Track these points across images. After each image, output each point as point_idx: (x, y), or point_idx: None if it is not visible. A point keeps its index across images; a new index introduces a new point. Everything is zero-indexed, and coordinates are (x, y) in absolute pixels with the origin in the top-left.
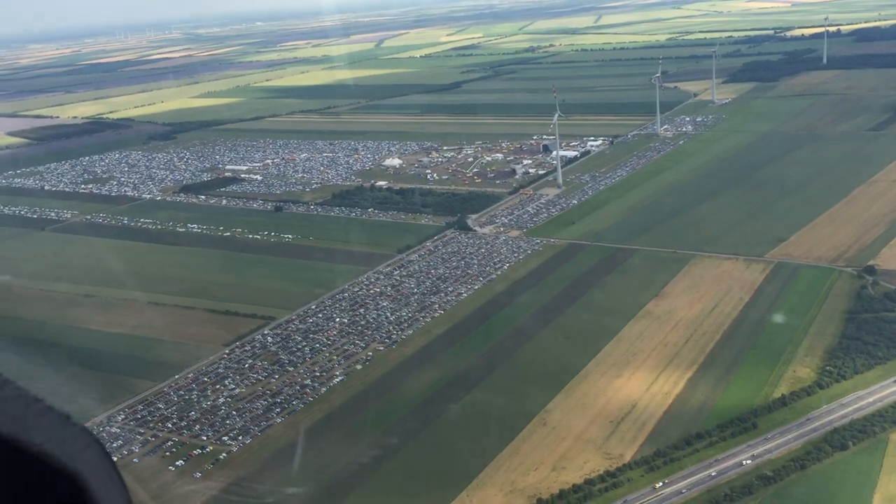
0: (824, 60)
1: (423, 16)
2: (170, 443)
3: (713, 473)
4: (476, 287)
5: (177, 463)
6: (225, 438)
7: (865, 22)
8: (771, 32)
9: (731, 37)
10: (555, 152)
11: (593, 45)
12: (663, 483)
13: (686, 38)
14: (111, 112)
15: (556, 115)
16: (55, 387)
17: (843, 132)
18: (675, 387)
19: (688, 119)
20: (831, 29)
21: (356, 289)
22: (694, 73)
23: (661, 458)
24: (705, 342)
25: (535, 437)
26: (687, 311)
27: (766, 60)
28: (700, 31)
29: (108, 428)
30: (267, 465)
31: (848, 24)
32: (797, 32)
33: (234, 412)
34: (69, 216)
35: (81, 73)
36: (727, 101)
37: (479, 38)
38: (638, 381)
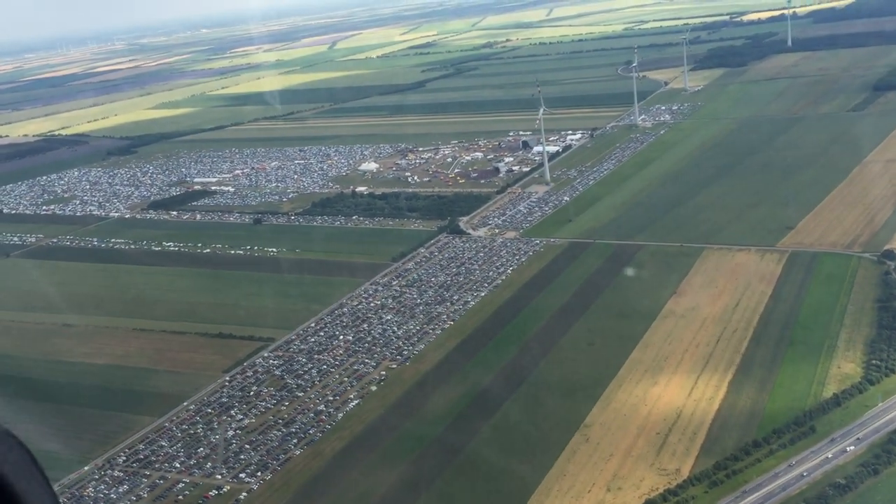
0: (789, 43)
1: (374, 16)
2: (181, 485)
3: (781, 485)
4: (482, 294)
5: None
6: (242, 476)
7: (819, 3)
8: (727, 18)
9: (687, 24)
10: (536, 148)
11: (550, 39)
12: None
13: (642, 27)
14: (63, 128)
15: (542, 109)
16: (40, 429)
17: (825, 114)
18: (718, 391)
19: (664, 108)
20: (787, 11)
21: (355, 302)
22: (660, 62)
23: (722, 472)
24: (738, 341)
25: (579, 455)
26: (710, 309)
27: (730, 46)
28: (654, 20)
29: (109, 472)
30: (296, 502)
31: (803, 6)
32: (753, 17)
33: (247, 445)
34: (33, 240)
35: (27, 89)
36: (699, 88)
37: (434, 35)
38: (677, 388)
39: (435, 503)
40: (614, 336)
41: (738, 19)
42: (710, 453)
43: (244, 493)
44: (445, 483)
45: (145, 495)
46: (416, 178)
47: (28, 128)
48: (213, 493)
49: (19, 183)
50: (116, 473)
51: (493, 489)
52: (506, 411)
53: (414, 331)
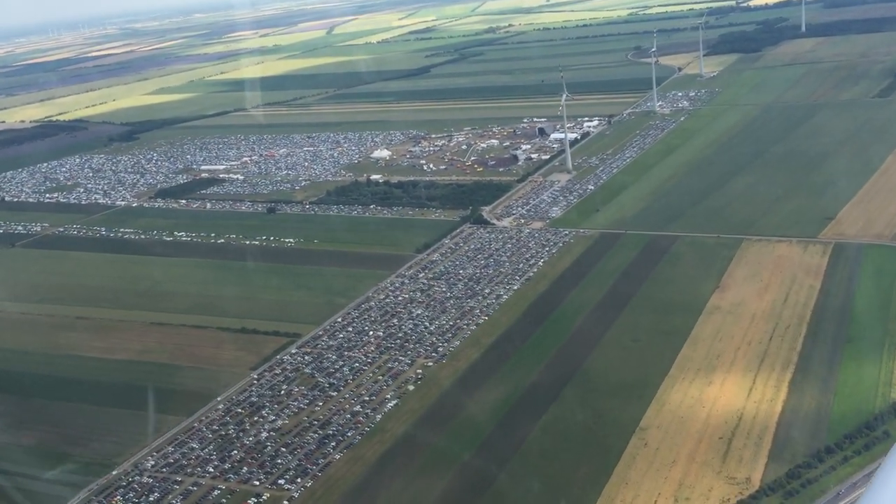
0: (803, 28)
1: (369, 1)
2: (216, 492)
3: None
4: (515, 287)
5: None
6: (281, 482)
7: None
8: (732, 3)
9: (692, 9)
10: (553, 135)
11: (553, 24)
12: None
13: (647, 12)
14: (61, 114)
15: (564, 95)
16: (58, 430)
17: (848, 100)
18: (778, 392)
19: (680, 94)
20: None
21: (382, 296)
22: (672, 48)
23: (796, 481)
24: (792, 338)
25: (639, 461)
26: (758, 304)
27: (741, 31)
28: (658, 6)
29: (137, 478)
30: None
31: None
32: (760, 1)
33: (282, 449)
34: (39, 229)
35: (19, 74)
36: (715, 73)
37: (433, 21)
38: (734, 389)
39: None
40: (659, 332)
41: (745, 4)
42: (780, 460)
43: (285, 502)
44: (498, 492)
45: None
46: (431, 165)
47: (24, 113)
48: (252, 501)
49: (20, 170)
50: (145, 479)
51: (552, 499)
52: (554, 414)
53: (447, 326)
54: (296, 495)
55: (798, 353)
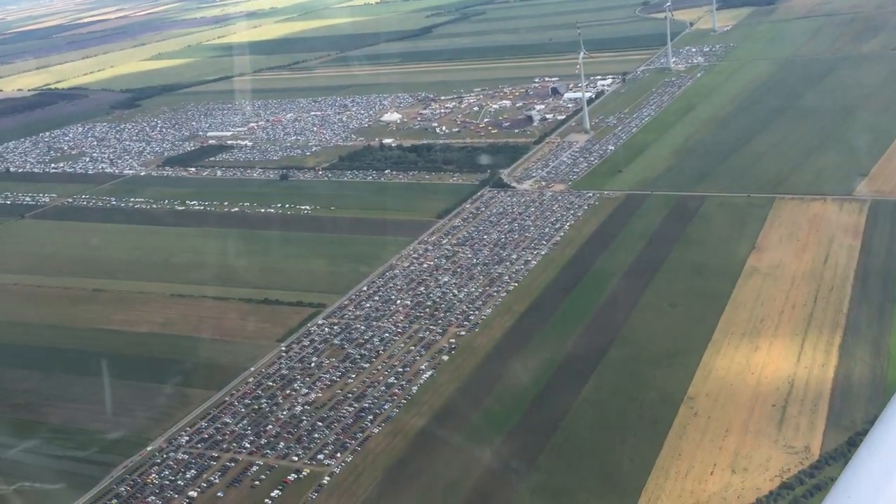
0: None
1: None
2: (255, 468)
3: None
4: (543, 252)
5: (272, 494)
6: (320, 457)
7: None
8: None
9: None
10: (567, 95)
11: None
12: None
13: None
14: (58, 82)
15: (582, 53)
16: (87, 407)
17: (869, 53)
18: (829, 357)
19: (694, 50)
20: None
21: (406, 263)
22: (683, 2)
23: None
24: (837, 300)
25: (690, 431)
26: (797, 265)
27: None
28: None
29: (173, 454)
30: (386, 488)
31: None
32: None
33: (319, 423)
34: (48, 200)
35: (13, 41)
36: (728, 28)
37: None
38: (781, 354)
39: (541, 490)
40: (697, 296)
41: None
42: (839, 428)
43: (326, 477)
44: (546, 466)
45: (217, 481)
46: (444, 128)
47: (21, 81)
48: (292, 476)
49: (22, 140)
50: (181, 456)
51: (603, 472)
52: (597, 382)
53: (476, 294)
54: (336, 471)
55: (845, 316)
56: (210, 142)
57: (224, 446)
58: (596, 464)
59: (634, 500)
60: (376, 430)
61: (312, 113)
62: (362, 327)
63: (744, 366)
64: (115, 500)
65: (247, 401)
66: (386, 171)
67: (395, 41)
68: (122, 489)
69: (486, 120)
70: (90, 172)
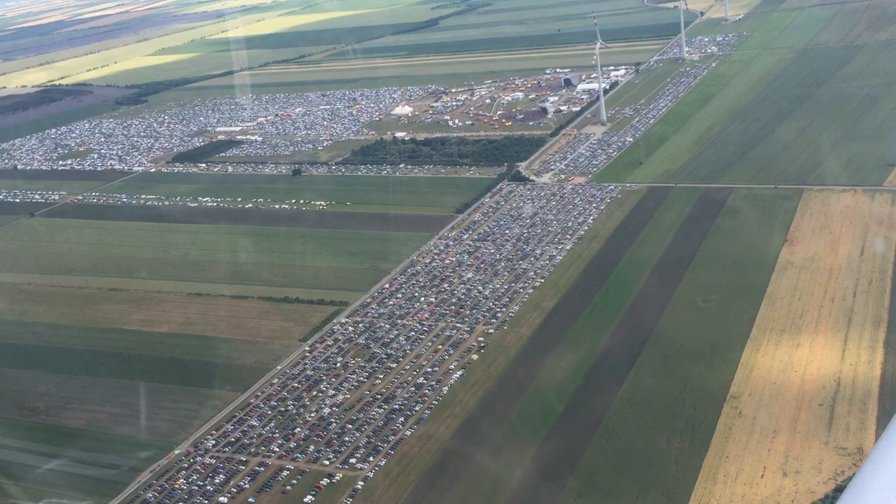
0: None
1: None
2: (285, 472)
3: None
4: (567, 247)
5: (305, 500)
6: (352, 461)
7: None
8: None
9: None
10: (580, 86)
11: None
12: None
13: None
14: (62, 78)
15: (598, 43)
16: (110, 410)
17: (886, 42)
18: (874, 353)
19: (707, 39)
20: None
21: (427, 259)
22: None
23: None
24: (878, 293)
25: (736, 432)
26: (832, 258)
27: None
28: None
29: (200, 458)
30: (423, 494)
31: None
32: None
33: (348, 425)
34: (57, 198)
35: (14, 38)
36: (740, 16)
37: None
38: (824, 350)
39: (586, 495)
40: (732, 291)
41: None
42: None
43: (360, 483)
44: (589, 469)
45: (247, 486)
46: (456, 121)
47: (25, 78)
48: (325, 481)
49: (28, 137)
50: (208, 461)
51: (649, 475)
52: (634, 380)
53: (502, 290)
54: (370, 475)
55: (887, 310)
56: (219, 137)
57: (252, 450)
58: (640, 466)
59: None
60: (408, 433)
61: (321, 107)
62: (387, 326)
63: (786, 363)
64: None
65: (272, 402)
66: (400, 166)
67: (401, 34)
68: (150, 495)
69: (499, 112)
70: (99, 169)
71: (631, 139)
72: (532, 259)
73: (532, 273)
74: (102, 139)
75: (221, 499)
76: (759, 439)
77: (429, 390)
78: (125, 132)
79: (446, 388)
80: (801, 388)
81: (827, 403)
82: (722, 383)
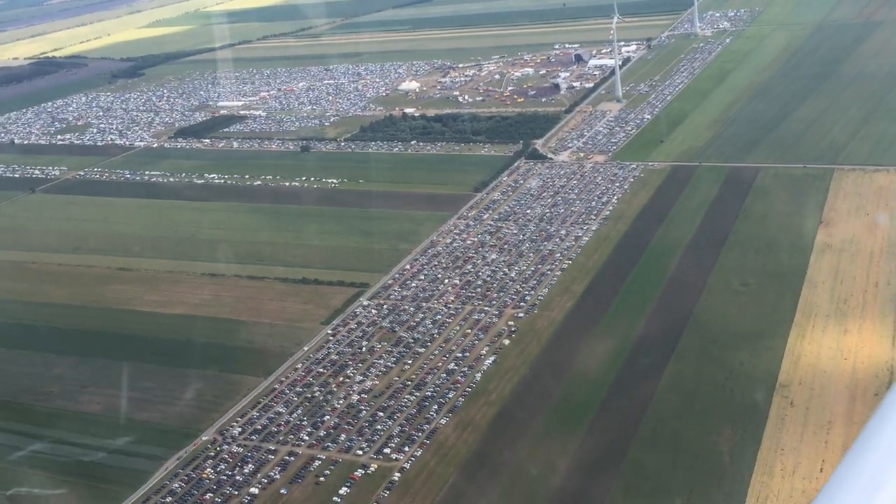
0: None
1: None
2: (317, 462)
3: None
4: (593, 228)
5: (340, 492)
6: (387, 451)
7: None
8: None
9: None
10: (592, 62)
11: None
12: None
13: None
14: (55, 50)
15: (615, 17)
16: (129, 395)
17: None
18: None
19: (718, 15)
20: None
21: (447, 240)
22: None
23: None
24: None
25: (789, 423)
26: (872, 239)
27: None
28: None
29: (227, 447)
30: (463, 486)
31: None
32: None
33: (379, 413)
34: (58, 173)
35: (3, 9)
36: None
37: None
38: (874, 336)
39: (637, 488)
40: (770, 274)
41: None
42: None
43: (397, 473)
44: (638, 461)
45: (277, 476)
46: (466, 97)
47: (17, 50)
48: (360, 472)
49: (24, 110)
50: (235, 449)
51: (701, 468)
52: (676, 367)
53: (529, 272)
54: (406, 466)
55: None
56: (221, 112)
57: (280, 438)
58: (692, 458)
59: (741, 502)
60: (443, 422)
61: (325, 81)
62: (411, 309)
63: (835, 350)
64: (169, 498)
65: (298, 388)
66: (412, 142)
67: (403, 7)
68: (177, 485)
69: (510, 88)
70: (99, 144)
71: (649, 116)
72: (557, 240)
73: (558, 254)
74: (101, 113)
75: (252, 489)
76: (815, 431)
77: (461, 376)
78: (123, 106)
79: (479, 375)
80: (853, 377)
81: (882, 393)
82: (769, 371)
